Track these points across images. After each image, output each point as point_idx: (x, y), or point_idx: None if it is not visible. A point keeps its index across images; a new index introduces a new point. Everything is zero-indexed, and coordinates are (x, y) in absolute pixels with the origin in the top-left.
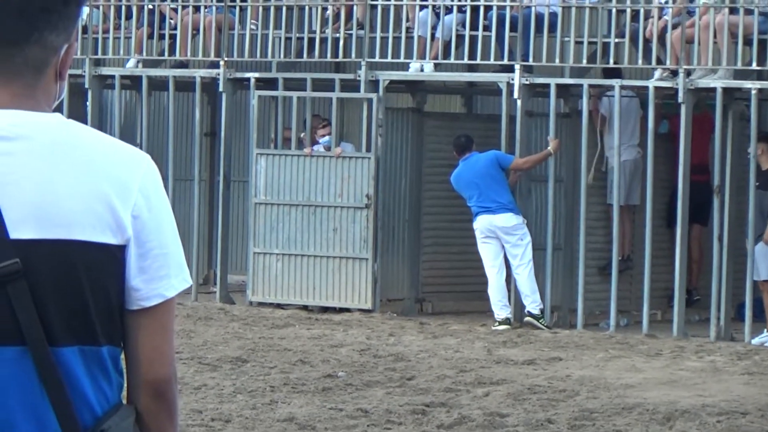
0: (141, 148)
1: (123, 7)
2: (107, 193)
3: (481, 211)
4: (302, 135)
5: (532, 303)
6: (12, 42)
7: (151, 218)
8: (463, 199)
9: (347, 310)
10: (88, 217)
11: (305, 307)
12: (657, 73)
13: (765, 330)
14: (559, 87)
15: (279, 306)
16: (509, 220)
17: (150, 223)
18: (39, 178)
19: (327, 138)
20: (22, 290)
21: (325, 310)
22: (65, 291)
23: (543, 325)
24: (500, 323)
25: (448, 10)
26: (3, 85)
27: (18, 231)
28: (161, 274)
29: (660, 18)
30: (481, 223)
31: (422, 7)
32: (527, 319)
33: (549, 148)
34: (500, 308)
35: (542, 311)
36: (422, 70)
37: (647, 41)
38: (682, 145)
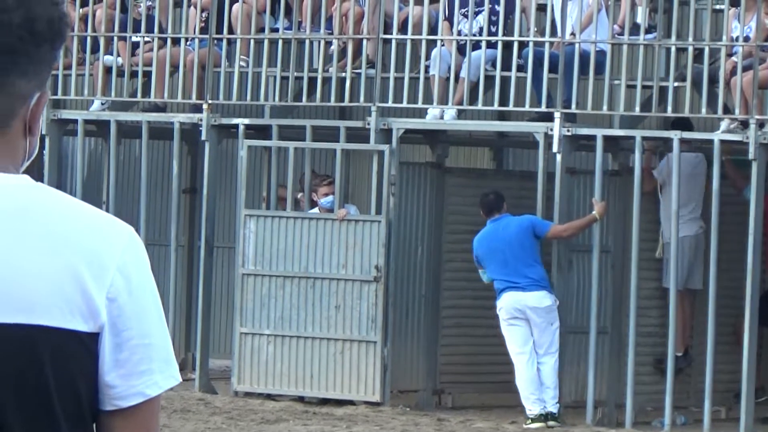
0: (107, 205)
1: (88, 39)
2: (79, 271)
3: (508, 287)
4: (300, 195)
5: (553, 398)
6: None
7: (131, 302)
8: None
9: (351, 402)
10: (55, 299)
11: (301, 399)
12: (724, 124)
13: None
14: (607, 139)
15: (270, 397)
16: (543, 300)
17: (129, 308)
18: None
19: (330, 198)
20: None
21: (325, 402)
22: (26, 387)
23: (558, 422)
24: (533, 420)
25: (476, 46)
26: None
27: None
28: (142, 369)
29: (729, 57)
30: (508, 302)
31: (444, 42)
32: (551, 422)
33: (594, 212)
34: (532, 402)
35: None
36: (442, 118)
37: (713, 85)
38: (753, 211)
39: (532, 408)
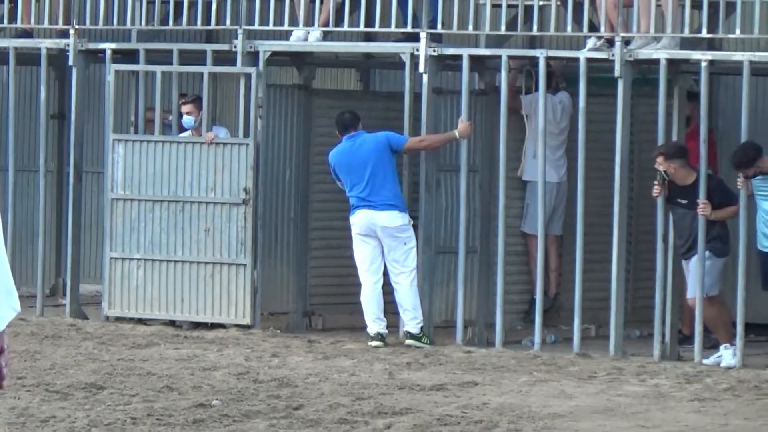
0: None
1: None
2: None
3: (361, 205)
4: (169, 118)
5: (413, 320)
6: None
7: None
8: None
9: (222, 326)
10: None
11: (172, 323)
12: (590, 42)
13: (722, 347)
14: (473, 59)
15: (141, 321)
16: (394, 219)
17: None
18: None
19: (191, 118)
20: None
21: (196, 326)
22: None
23: (426, 343)
24: (373, 339)
25: None
26: None
27: None
28: None
29: None
30: (360, 219)
31: None
32: (408, 341)
33: (455, 130)
34: (373, 321)
35: (422, 329)
36: (307, 40)
37: (578, 4)
38: (619, 131)
39: (372, 326)
